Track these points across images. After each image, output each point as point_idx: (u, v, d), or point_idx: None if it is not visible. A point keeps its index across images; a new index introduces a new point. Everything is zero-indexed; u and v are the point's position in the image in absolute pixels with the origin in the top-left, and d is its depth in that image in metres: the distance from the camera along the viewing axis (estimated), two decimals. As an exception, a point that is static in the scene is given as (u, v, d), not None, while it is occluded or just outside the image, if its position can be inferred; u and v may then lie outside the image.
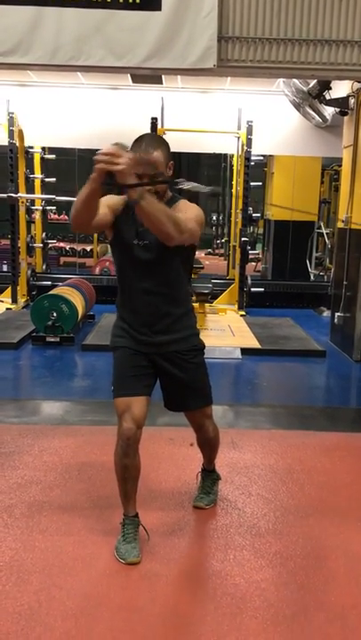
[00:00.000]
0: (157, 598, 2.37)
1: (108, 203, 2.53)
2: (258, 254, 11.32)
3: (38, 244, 9.54)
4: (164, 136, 6.77)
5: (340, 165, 7.54)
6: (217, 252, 15.33)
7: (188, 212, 2.52)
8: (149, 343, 2.63)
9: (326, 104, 7.12)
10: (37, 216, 9.58)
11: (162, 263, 2.57)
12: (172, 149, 2.60)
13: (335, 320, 6.75)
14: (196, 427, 2.90)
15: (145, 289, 2.57)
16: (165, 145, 2.54)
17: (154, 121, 7.73)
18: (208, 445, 3.01)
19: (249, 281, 8.80)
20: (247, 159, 8.07)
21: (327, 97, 7.06)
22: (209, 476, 3.13)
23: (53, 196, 9.02)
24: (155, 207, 2.31)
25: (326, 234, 10.54)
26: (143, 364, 2.64)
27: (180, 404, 2.82)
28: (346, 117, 6.63)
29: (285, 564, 2.63)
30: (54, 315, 6.42)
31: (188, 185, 2.47)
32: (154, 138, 2.61)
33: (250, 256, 8.81)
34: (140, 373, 2.63)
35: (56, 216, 11.99)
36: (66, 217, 12.89)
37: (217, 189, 2.80)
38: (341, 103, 6.52)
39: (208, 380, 2.82)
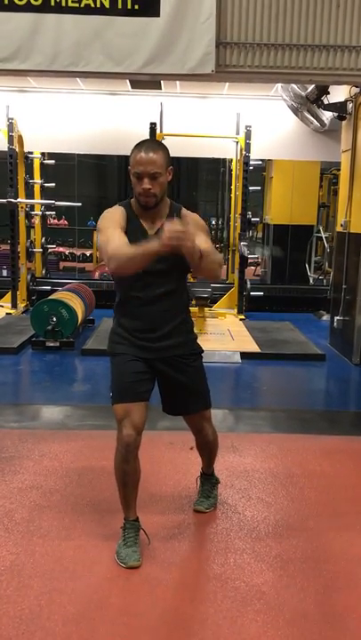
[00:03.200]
0: (158, 602, 2.37)
1: (121, 223, 2.56)
2: (257, 258, 11.32)
3: (38, 249, 9.57)
4: (162, 141, 6.80)
5: (339, 169, 7.57)
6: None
7: (203, 233, 2.61)
8: (150, 349, 2.64)
9: (324, 109, 7.14)
10: (37, 221, 9.60)
11: (169, 274, 2.60)
12: (171, 154, 2.64)
13: (335, 324, 6.76)
14: (196, 430, 2.92)
15: (149, 298, 2.58)
16: (165, 149, 2.58)
17: (153, 126, 7.76)
18: (207, 449, 3.02)
19: (248, 285, 8.81)
20: (246, 164, 8.09)
21: (325, 102, 7.08)
22: (208, 479, 3.14)
23: (53, 202, 9.05)
24: (211, 261, 2.51)
25: (325, 238, 10.56)
26: (142, 370, 2.65)
27: (180, 408, 2.84)
28: (344, 122, 6.66)
29: (285, 567, 2.63)
30: (54, 319, 6.43)
31: None
32: (154, 142, 2.67)
33: (249, 260, 8.83)
34: (139, 379, 2.63)
35: (55, 221, 12.03)
36: (65, 222, 12.96)
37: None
38: (339, 108, 6.55)
39: (207, 384, 2.84)
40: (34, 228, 9.66)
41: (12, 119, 7.91)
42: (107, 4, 4.94)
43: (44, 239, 9.93)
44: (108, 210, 2.66)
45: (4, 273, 9.94)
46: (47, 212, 9.77)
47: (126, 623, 2.25)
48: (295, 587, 2.49)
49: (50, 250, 10.49)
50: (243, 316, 8.27)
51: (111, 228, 2.53)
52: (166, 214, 2.64)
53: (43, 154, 9.52)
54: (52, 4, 4.94)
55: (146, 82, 7.16)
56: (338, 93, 6.78)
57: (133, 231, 2.58)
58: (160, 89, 7.99)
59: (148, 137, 7.44)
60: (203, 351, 2.82)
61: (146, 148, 2.52)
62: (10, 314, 7.94)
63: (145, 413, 2.62)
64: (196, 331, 2.88)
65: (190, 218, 2.66)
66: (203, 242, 2.55)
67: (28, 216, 8.83)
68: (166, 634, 2.22)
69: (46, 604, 2.33)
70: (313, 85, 6.97)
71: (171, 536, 2.83)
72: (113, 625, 2.23)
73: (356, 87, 6.15)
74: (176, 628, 2.26)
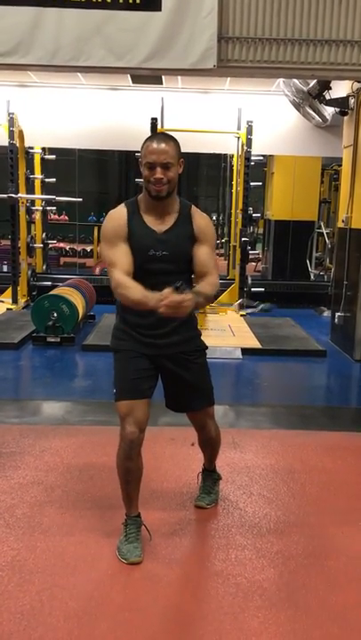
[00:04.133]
0: (159, 598, 2.37)
1: (120, 235, 2.56)
2: (258, 254, 11.32)
3: (38, 245, 9.54)
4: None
5: (340, 165, 7.55)
6: (217, 252, 15.32)
7: (208, 244, 2.64)
8: (154, 345, 2.63)
9: (326, 104, 7.12)
10: (37, 216, 9.58)
11: (176, 273, 2.58)
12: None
13: (335, 320, 6.76)
14: (199, 427, 2.91)
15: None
16: (176, 142, 2.59)
17: (154, 121, 7.73)
18: (209, 445, 3.01)
19: (249, 281, 8.80)
20: (247, 159, 8.07)
21: (327, 97, 7.06)
22: (210, 475, 3.13)
23: (54, 197, 9.03)
24: (209, 299, 2.58)
25: (326, 233, 10.54)
26: (146, 367, 2.64)
27: (184, 405, 2.83)
28: (346, 117, 6.63)
29: (287, 563, 2.63)
30: (55, 315, 6.43)
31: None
32: (166, 135, 2.66)
33: (250, 256, 8.81)
34: (142, 376, 2.62)
35: (56, 216, 12.02)
36: (66, 217, 12.94)
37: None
38: (341, 103, 6.52)
39: (210, 381, 2.83)
40: (34, 223, 9.64)
41: (13, 114, 7.89)
42: (108, -2, 4.92)
43: (44, 235, 9.90)
44: (110, 213, 2.64)
45: (5, 268, 9.93)
46: (48, 208, 9.75)
47: (127, 619, 2.25)
48: (297, 583, 2.49)
49: (50, 245, 10.47)
50: (244, 312, 8.26)
51: (114, 247, 2.54)
52: (176, 211, 2.63)
53: (43, 149, 9.50)
54: (53, -3, 4.92)
55: (147, 77, 7.15)
56: (340, 88, 6.76)
57: (138, 231, 2.57)
58: (161, 84, 7.97)
59: (150, 132, 7.43)
60: (207, 348, 2.81)
61: (158, 139, 2.55)
62: (10, 309, 7.93)
63: (148, 410, 2.61)
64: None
65: (198, 223, 2.64)
66: (204, 254, 2.60)
67: (29, 211, 8.81)
68: (168, 630, 2.22)
69: (47, 600, 2.32)
70: (315, 80, 6.95)
71: (172, 532, 2.83)
72: (114, 621, 2.23)
73: (359, 82, 6.12)
74: (177, 623, 2.26)
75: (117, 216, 2.60)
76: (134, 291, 2.44)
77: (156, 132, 2.66)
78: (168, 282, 2.56)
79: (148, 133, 7.14)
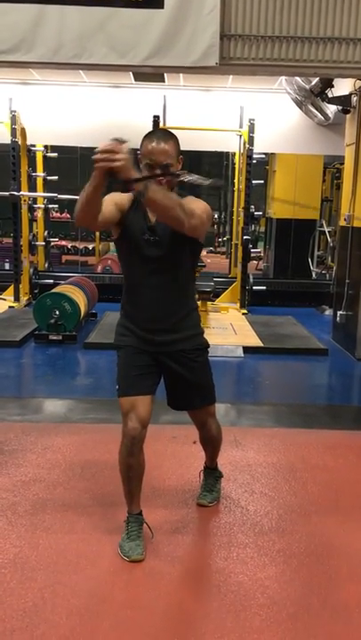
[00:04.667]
0: (161, 596, 2.38)
1: (115, 200, 2.53)
2: (260, 252, 11.31)
3: (40, 243, 9.54)
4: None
5: (342, 163, 7.54)
6: (219, 250, 15.32)
7: (196, 204, 2.54)
8: (155, 342, 2.63)
9: (329, 102, 7.10)
10: (39, 214, 9.58)
11: (171, 259, 2.57)
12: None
13: (337, 318, 6.75)
14: (200, 425, 2.91)
15: (152, 286, 2.57)
16: (176, 139, 2.56)
17: (156, 119, 7.73)
18: (211, 443, 3.02)
19: (251, 279, 8.79)
20: (249, 157, 8.06)
21: (329, 95, 7.04)
22: (211, 473, 3.14)
23: (56, 195, 9.02)
24: (160, 195, 2.31)
25: (328, 232, 10.53)
26: (148, 363, 2.64)
27: (185, 403, 2.83)
28: (348, 115, 6.62)
29: (289, 561, 2.63)
30: (57, 313, 6.43)
31: (189, 177, 2.46)
32: (165, 131, 2.63)
33: (251, 254, 8.81)
34: (144, 372, 2.63)
35: (58, 214, 12.01)
36: (68, 215, 12.94)
37: (219, 181, 2.81)
38: (344, 101, 6.51)
39: (212, 379, 2.83)
40: (36, 221, 9.64)
41: (15, 111, 7.88)
42: (111, -4, 4.92)
43: (46, 232, 9.90)
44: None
45: (7, 266, 9.94)
46: (50, 206, 9.75)
47: (129, 616, 2.26)
48: (298, 581, 2.50)
49: (52, 243, 10.47)
50: (245, 311, 8.26)
51: (105, 201, 2.46)
52: None
53: (45, 147, 9.49)
54: (56, -5, 4.92)
55: (149, 74, 7.13)
56: (342, 86, 6.74)
57: (135, 216, 2.56)
58: (163, 81, 7.96)
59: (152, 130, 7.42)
60: (209, 346, 2.80)
61: (157, 138, 2.50)
62: (12, 307, 7.93)
63: (150, 407, 2.62)
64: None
65: (188, 198, 2.57)
66: (186, 202, 2.45)
67: (31, 209, 8.81)
68: (169, 627, 2.23)
69: (50, 597, 2.33)
70: (317, 78, 6.93)
71: (174, 530, 2.84)
72: (116, 618, 2.24)
73: (361, 80, 6.12)
74: (179, 621, 2.26)
75: (125, 195, 2.54)
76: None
77: (155, 129, 2.61)
78: (164, 269, 2.56)
79: (151, 131, 7.13)
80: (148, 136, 2.54)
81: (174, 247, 2.55)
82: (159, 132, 2.64)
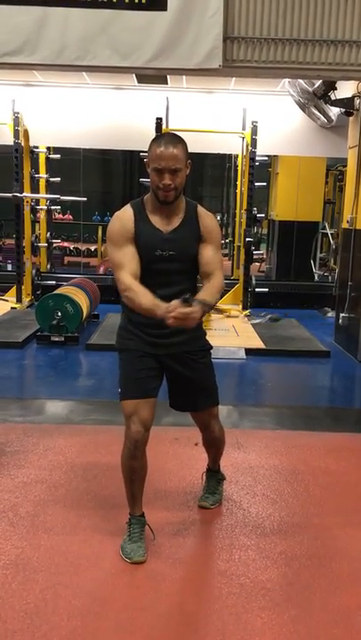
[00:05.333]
0: (163, 597, 2.38)
1: (126, 236, 2.55)
2: (262, 254, 11.31)
3: (43, 244, 9.56)
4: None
5: (345, 166, 7.54)
6: (221, 251, 15.33)
7: (213, 244, 2.64)
8: (159, 345, 2.63)
9: (332, 104, 7.11)
10: (42, 216, 9.60)
11: (182, 272, 2.60)
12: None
13: (340, 321, 6.75)
14: (203, 427, 2.91)
15: (160, 295, 2.52)
16: (184, 143, 2.55)
17: (159, 121, 7.73)
18: (214, 445, 3.01)
19: (253, 281, 8.79)
20: (252, 159, 8.05)
21: (332, 97, 7.05)
22: (214, 476, 3.13)
23: (58, 196, 9.03)
24: (215, 304, 2.63)
25: (331, 234, 10.54)
26: (151, 366, 2.64)
27: (188, 405, 2.83)
28: (351, 118, 6.63)
29: (290, 564, 2.63)
30: (59, 314, 6.43)
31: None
32: (174, 136, 2.61)
33: (254, 256, 8.80)
34: (147, 375, 2.62)
35: (61, 216, 12.02)
36: (70, 216, 12.95)
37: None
38: (347, 104, 6.52)
39: (215, 381, 2.83)
40: (39, 222, 9.65)
41: (18, 113, 7.90)
42: (114, -2, 4.92)
43: (49, 234, 9.92)
44: (117, 214, 2.63)
45: (10, 267, 9.95)
46: (52, 207, 9.76)
47: (131, 618, 2.25)
48: (300, 583, 2.49)
49: (55, 244, 10.49)
50: (247, 312, 8.25)
51: (121, 249, 2.53)
52: (182, 211, 2.62)
53: (48, 148, 9.51)
54: (60, -3, 4.93)
55: (152, 76, 7.14)
56: (345, 89, 6.74)
57: (145, 231, 2.57)
58: (166, 84, 7.96)
59: (155, 132, 7.43)
60: (212, 347, 2.81)
61: (166, 143, 2.48)
62: (15, 308, 7.94)
63: (153, 410, 2.62)
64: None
65: (205, 222, 2.64)
66: (209, 254, 2.61)
67: (34, 210, 8.83)
68: (171, 629, 2.22)
69: (51, 599, 2.33)
70: (320, 81, 6.93)
71: (176, 532, 2.83)
72: (117, 619, 2.24)
73: (364, 83, 6.12)
74: (181, 623, 2.26)
75: (124, 217, 2.59)
76: (144, 298, 2.44)
77: (164, 134, 2.60)
78: (174, 281, 2.56)
79: (153, 133, 7.14)
80: (156, 140, 2.53)
81: (186, 260, 2.59)
82: (168, 136, 2.62)
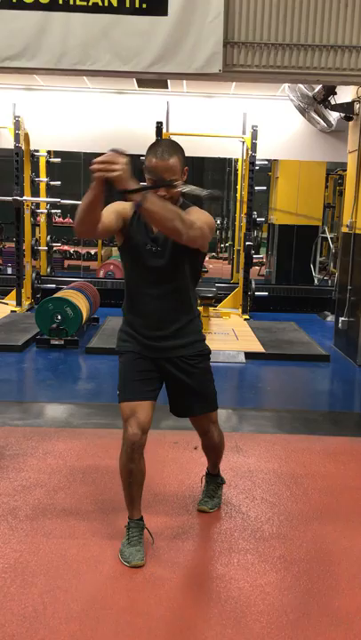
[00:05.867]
0: (162, 601, 2.37)
1: (117, 209, 2.54)
2: (262, 258, 11.34)
3: (43, 247, 9.58)
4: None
5: (345, 170, 7.55)
6: (221, 255, 15.36)
7: (197, 215, 2.52)
8: (156, 348, 2.63)
9: (331, 109, 7.13)
10: (42, 219, 9.62)
11: (173, 269, 2.58)
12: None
13: (339, 325, 6.75)
14: (202, 432, 2.90)
15: (154, 295, 2.57)
16: (181, 151, 2.52)
17: (159, 125, 7.76)
18: (213, 450, 3.01)
19: (253, 285, 8.80)
20: (252, 163, 8.08)
21: (332, 102, 7.08)
22: (213, 479, 3.13)
23: (58, 200, 9.06)
24: (158, 205, 2.27)
25: (330, 238, 10.55)
26: (149, 369, 2.64)
27: (186, 410, 2.82)
28: (351, 122, 6.64)
29: (289, 568, 2.63)
30: (59, 318, 6.44)
31: (186, 188, 2.46)
32: (170, 143, 2.55)
33: (254, 260, 8.82)
34: (146, 378, 2.63)
35: (61, 219, 12.04)
36: (70, 220, 12.96)
37: (216, 192, 2.72)
38: (346, 108, 6.54)
39: (214, 386, 2.82)
40: (39, 226, 9.67)
41: (19, 117, 7.93)
42: (115, 3, 4.95)
43: (49, 237, 9.94)
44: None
45: (10, 271, 9.97)
46: (53, 211, 9.78)
47: (130, 622, 2.25)
48: (299, 588, 2.49)
49: (55, 248, 10.51)
50: (247, 316, 8.26)
51: (106, 209, 2.48)
52: None
53: (49, 152, 9.54)
54: (60, 2, 4.96)
55: (153, 81, 7.17)
56: (345, 94, 6.77)
57: (137, 226, 2.56)
58: (167, 88, 7.99)
59: (155, 136, 7.45)
60: (210, 352, 2.80)
61: (162, 153, 2.43)
62: (14, 311, 7.95)
63: (151, 412, 2.62)
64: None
65: (192, 210, 2.58)
66: (187, 213, 2.46)
67: (34, 214, 8.85)
68: (170, 633, 2.22)
69: (50, 602, 2.33)
70: (320, 86, 6.96)
71: (175, 536, 2.83)
72: (116, 624, 2.24)
73: (364, 88, 6.14)
74: (180, 627, 2.26)
75: (127, 205, 2.56)
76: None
77: (160, 141, 2.55)
78: (166, 280, 2.56)
79: (154, 137, 7.17)
80: (152, 149, 2.48)
81: (177, 257, 2.55)
82: (164, 144, 2.51)
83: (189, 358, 2.69)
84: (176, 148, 2.51)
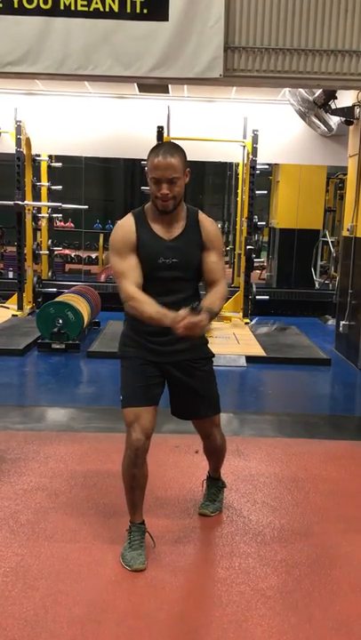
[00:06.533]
0: (163, 605, 2.37)
1: (130, 246, 2.56)
2: (263, 262, 11.34)
3: (44, 252, 9.59)
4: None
5: (345, 174, 7.57)
6: (223, 258, 15.36)
7: (215, 250, 2.66)
8: (161, 352, 2.63)
9: (332, 113, 7.15)
10: (44, 223, 9.63)
11: (184, 280, 2.61)
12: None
13: (340, 328, 6.76)
14: (204, 435, 2.90)
15: (164, 303, 2.52)
16: (182, 152, 2.56)
17: (160, 129, 7.77)
18: (215, 453, 3.01)
19: (254, 289, 8.81)
20: (253, 168, 8.09)
21: (333, 106, 7.09)
22: (214, 483, 3.13)
23: (60, 204, 9.07)
24: (219, 313, 2.62)
25: (331, 242, 10.56)
26: (153, 374, 2.64)
27: (190, 412, 2.83)
28: (351, 127, 6.66)
29: (291, 572, 2.63)
30: (60, 322, 6.45)
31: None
32: (171, 145, 2.62)
33: (255, 264, 8.82)
34: (149, 383, 2.63)
35: (62, 223, 12.05)
36: (72, 224, 13.00)
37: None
38: (347, 112, 6.56)
39: (217, 390, 2.83)
40: (40, 230, 9.68)
41: (20, 122, 7.95)
42: (116, 8, 4.97)
43: (50, 241, 9.95)
44: (119, 223, 2.64)
45: (11, 275, 9.98)
46: (54, 215, 9.80)
47: (131, 626, 2.25)
48: (300, 591, 2.49)
49: (56, 252, 10.51)
50: (248, 320, 8.27)
51: (124, 259, 2.55)
52: (184, 218, 2.63)
53: (50, 156, 9.55)
54: (62, 7, 4.97)
55: (153, 85, 7.19)
56: (345, 98, 6.79)
57: (147, 240, 2.58)
58: (167, 92, 8.01)
59: (156, 140, 7.46)
60: (214, 355, 2.81)
61: (164, 152, 2.48)
62: (16, 315, 7.96)
63: (154, 418, 2.62)
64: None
65: (207, 229, 2.65)
66: (212, 262, 2.63)
67: (35, 218, 8.86)
68: (171, 637, 2.22)
69: (51, 606, 2.33)
70: (321, 90, 6.98)
71: (176, 539, 2.83)
72: (118, 627, 2.24)
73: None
74: (181, 631, 2.26)
75: (126, 226, 2.60)
76: (148, 307, 2.45)
77: (162, 143, 2.60)
78: (177, 289, 2.57)
79: (155, 142, 7.18)
80: (154, 150, 2.53)
81: (189, 267, 2.60)
82: (166, 145, 2.61)
83: (194, 361, 2.70)
84: (178, 149, 2.57)
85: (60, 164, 9.66)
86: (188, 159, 2.59)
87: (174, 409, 2.81)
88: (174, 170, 2.48)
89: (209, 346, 2.83)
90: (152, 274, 2.58)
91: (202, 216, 2.69)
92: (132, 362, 2.65)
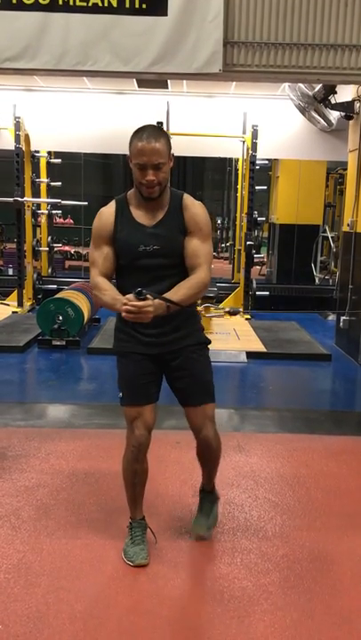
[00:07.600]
0: (165, 601, 2.38)
1: (104, 236, 2.54)
2: (263, 258, 11.34)
3: (44, 248, 9.59)
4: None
5: (345, 169, 7.56)
6: (222, 255, 15.36)
7: (199, 235, 2.53)
8: (157, 344, 2.58)
9: (332, 108, 7.13)
10: (43, 220, 9.63)
11: (170, 267, 2.52)
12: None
13: (341, 324, 6.75)
14: (197, 430, 2.70)
15: (151, 291, 2.51)
16: (166, 136, 2.48)
17: (159, 125, 7.75)
18: (209, 455, 2.77)
19: (254, 284, 8.81)
20: (252, 163, 8.09)
21: (333, 101, 7.07)
22: (208, 497, 2.88)
23: (59, 200, 9.07)
24: (185, 302, 2.44)
25: (331, 237, 10.55)
26: (151, 371, 2.61)
27: (183, 398, 2.68)
28: (351, 121, 6.64)
29: (292, 567, 2.63)
30: (60, 318, 6.44)
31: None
32: (155, 129, 2.49)
33: (255, 260, 8.82)
34: (148, 381, 2.60)
35: (62, 220, 12.06)
36: (71, 221, 12.99)
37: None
38: (347, 107, 6.54)
39: (212, 378, 2.72)
40: (40, 226, 9.68)
41: (19, 118, 7.93)
42: (114, 3, 4.95)
43: (50, 238, 9.95)
44: (100, 211, 2.59)
45: (11, 272, 9.98)
46: (53, 211, 9.79)
47: (133, 622, 2.26)
48: (302, 587, 2.49)
49: (56, 249, 10.51)
50: (248, 316, 8.26)
51: (98, 249, 2.55)
52: (166, 204, 2.54)
53: (49, 153, 9.54)
54: (60, 3, 4.96)
55: (153, 81, 7.16)
56: (345, 93, 6.77)
57: (127, 228, 2.52)
58: (167, 88, 7.99)
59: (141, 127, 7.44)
60: (210, 342, 2.73)
61: (148, 137, 2.39)
62: (16, 312, 7.96)
63: (156, 413, 2.61)
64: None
65: (190, 213, 2.54)
66: (193, 246, 2.50)
67: (35, 215, 8.86)
68: (173, 633, 2.23)
69: (53, 603, 2.33)
70: (320, 85, 6.96)
71: (177, 535, 2.83)
72: (120, 623, 2.24)
73: (364, 86, 6.13)
74: (183, 627, 2.26)
75: (104, 215, 2.56)
76: (106, 294, 2.46)
77: (144, 126, 2.49)
78: (163, 277, 2.51)
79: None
80: (137, 134, 2.43)
81: (173, 254, 2.51)
82: (149, 128, 2.46)
83: (190, 347, 2.62)
84: (161, 132, 2.49)
85: (60, 160, 9.65)
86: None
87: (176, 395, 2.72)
88: (160, 155, 2.40)
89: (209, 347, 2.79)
90: (134, 262, 2.52)
91: (186, 199, 2.57)
92: (131, 358, 2.60)
